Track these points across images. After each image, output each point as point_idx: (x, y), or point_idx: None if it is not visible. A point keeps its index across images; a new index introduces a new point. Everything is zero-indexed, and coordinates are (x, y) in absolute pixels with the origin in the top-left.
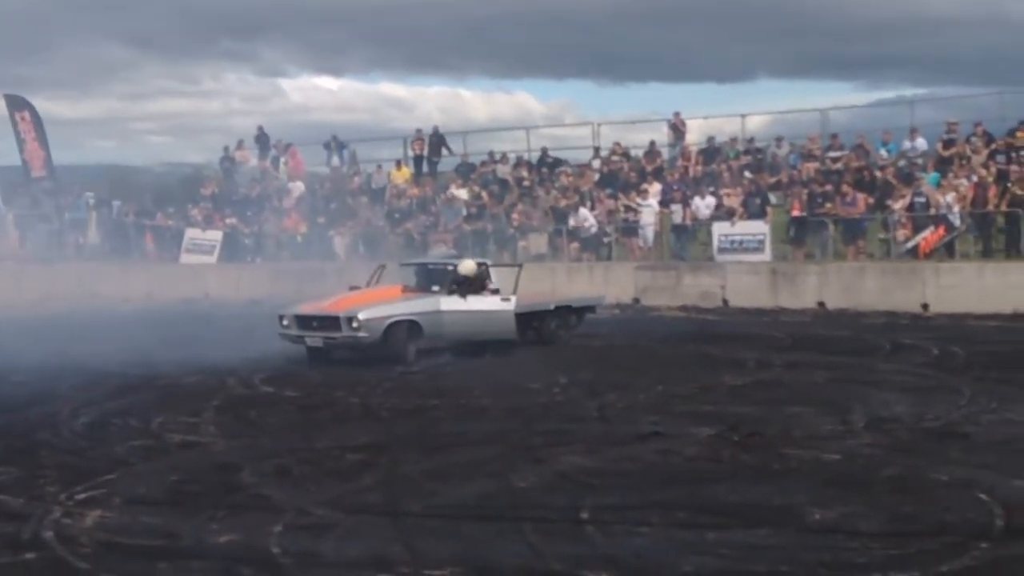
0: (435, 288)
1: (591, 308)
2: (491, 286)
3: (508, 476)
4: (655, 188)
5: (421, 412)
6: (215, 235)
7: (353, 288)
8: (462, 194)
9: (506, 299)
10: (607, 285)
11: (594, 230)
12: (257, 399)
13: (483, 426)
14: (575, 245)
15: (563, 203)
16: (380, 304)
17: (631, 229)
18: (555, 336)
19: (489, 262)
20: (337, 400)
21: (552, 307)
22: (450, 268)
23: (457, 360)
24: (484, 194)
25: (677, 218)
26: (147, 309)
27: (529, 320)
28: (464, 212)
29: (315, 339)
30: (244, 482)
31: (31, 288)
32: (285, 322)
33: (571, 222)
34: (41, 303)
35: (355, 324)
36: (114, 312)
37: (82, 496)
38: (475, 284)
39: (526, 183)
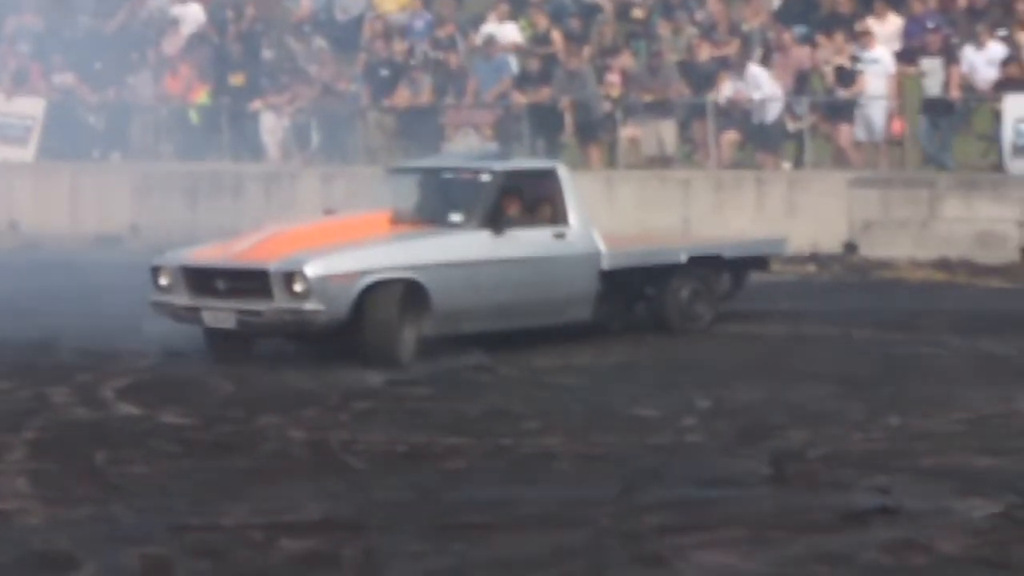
0: (454, 218)
1: (759, 261)
2: (547, 211)
3: None
4: (889, 26)
5: (424, 461)
6: (31, 108)
7: (328, 213)
8: (511, 32)
9: (578, 236)
10: (792, 216)
11: (771, 109)
12: (109, 429)
13: (544, 490)
14: (730, 136)
15: (705, 56)
16: (346, 249)
17: (841, 108)
18: (687, 316)
19: (550, 163)
20: (265, 433)
21: (683, 258)
22: (485, 177)
23: (497, 359)
24: (554, 34)
25: (933, 85)
26: None
27: (631, 283)
28: (513, 68)
29: (222, 314)
30: None
31: None
32: (164, 280)
33: (723, 91)
34: None
35: (298, 286)
36: None
37: None
38: (521, 205)
39: (635, 15)
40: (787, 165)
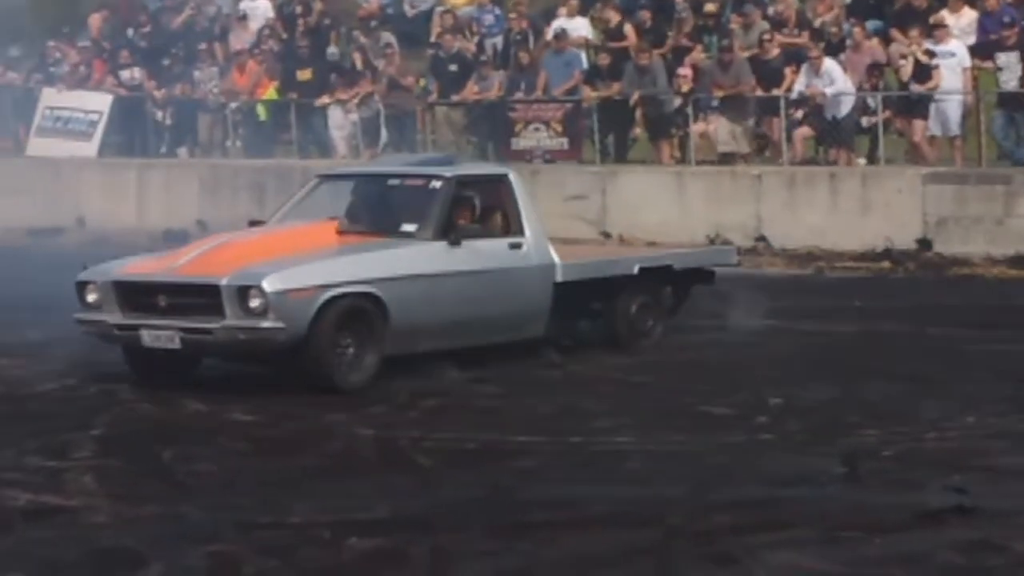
0: (407, 227)
1: (705, 274)
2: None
3: None
4: (963, 19)
5: (494, 459)
6: (98, 103)
7: (255, 224)
8: (582, 27)
9: (533, 247)
10: (866, 212)
11: (844, 104)
12: (176, 426)
13: (615, 489)
14: (803, 132)
15: (777, 51)
16: (302, 262)
17: (915, 103)
18: (637, 329)
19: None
20: (332, 431)
21: (635, 269)
22: (435, 184)
23: (567, 357)
24: (627, 27)
25: (1009, 80)
26: None
27: (581, 296)
28: (584, 63)
29: (165, 333)
30: None
31: None
32: (92, 297)
33: (797, 86)
34: None
35: (254, 302)
36: None
37: None
38: (474, 214)
39: (708, 8)
40: (861, 161)
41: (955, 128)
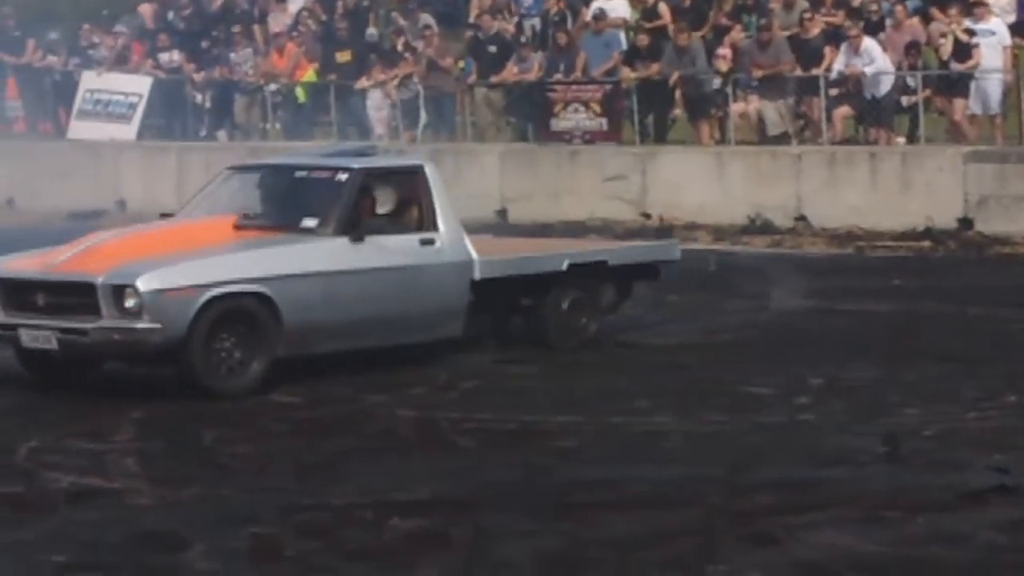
0: (307, 223)
1: (648, 269)
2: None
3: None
4: None
5: (534, 440)
6: (137, 85)
7: (165, 216)
8: (620, 7)
9: (448, 243)
10: (906, 192)
11: (884, 83)
12: (216, 409)
13: (655, 469)
14: (843, 111)
15: (816, 30)
16: (184, 259)
17: (956, 81)
18: (568, 328)
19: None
20: (372, 412)
21: (563, 266)
22: (341, 176)
23: (608, 337)
24: (662, 6)
25: None
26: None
27: (507, 293)
28: (623, 44)
29: (43, 333)
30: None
31: None
32: None
33: (836, 65)
34: None
35: (130, 302)
36: None
37: None
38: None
39: None
40: (901, 140)
41: (995, 106)
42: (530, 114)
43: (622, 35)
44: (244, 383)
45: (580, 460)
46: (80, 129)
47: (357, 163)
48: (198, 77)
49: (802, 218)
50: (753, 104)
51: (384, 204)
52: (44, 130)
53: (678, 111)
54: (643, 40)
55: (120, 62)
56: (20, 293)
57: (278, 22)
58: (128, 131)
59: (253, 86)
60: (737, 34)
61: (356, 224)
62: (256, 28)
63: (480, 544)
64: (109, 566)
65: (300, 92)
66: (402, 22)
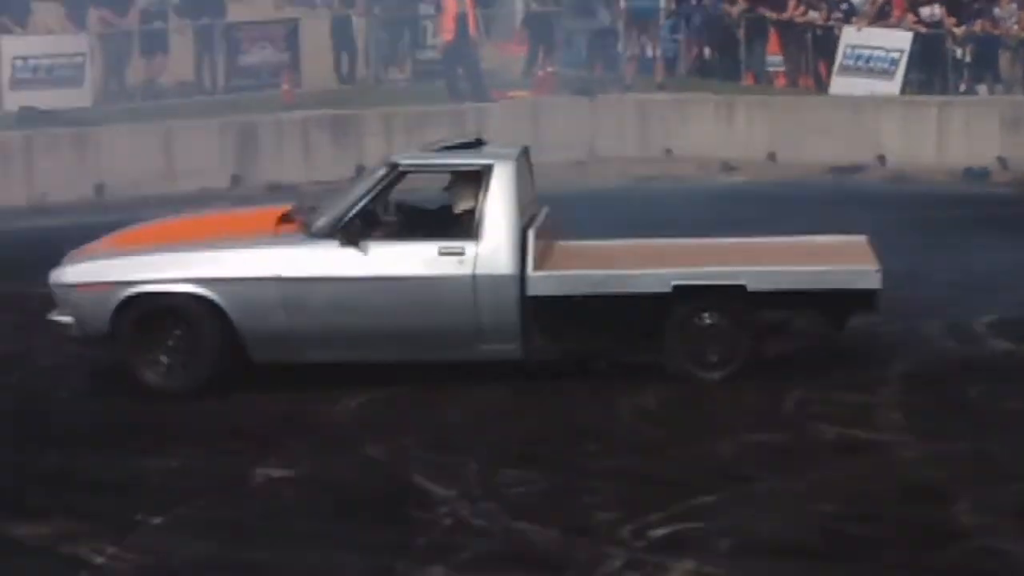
0: (317, 223)
1: (859, 298)
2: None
3: None
4: None
5: None
6: (899, 40)
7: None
8: None
9: (469, 252)
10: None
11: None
12: (980, 364)
13: None
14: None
15: None
16: (120, 255)
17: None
18: (697, 360)
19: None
20: None
21: (670, 286)
22: (379, 171)
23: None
24: None
25: None
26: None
27: (608, 315)
28: None
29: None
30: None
31: None
32: None
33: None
34: None
35: (54, 293)
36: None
37: (659, 532)
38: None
39: None
40: None
41: None
42: None
43: None
44: (185, 383)
45: None
46: (840, 84)
47: (399, 159)
48: (958, 31)
49: None
50: None
51: (408, 207)
52: (805, 85)
53: None
54: None
55: (881, 17)
56: None
57: None
58: (891, 86)
59: (1016, 40)
60: None
61: (350, 227)
62: None
63: None
64: (874, 517)
65: None
66: None
